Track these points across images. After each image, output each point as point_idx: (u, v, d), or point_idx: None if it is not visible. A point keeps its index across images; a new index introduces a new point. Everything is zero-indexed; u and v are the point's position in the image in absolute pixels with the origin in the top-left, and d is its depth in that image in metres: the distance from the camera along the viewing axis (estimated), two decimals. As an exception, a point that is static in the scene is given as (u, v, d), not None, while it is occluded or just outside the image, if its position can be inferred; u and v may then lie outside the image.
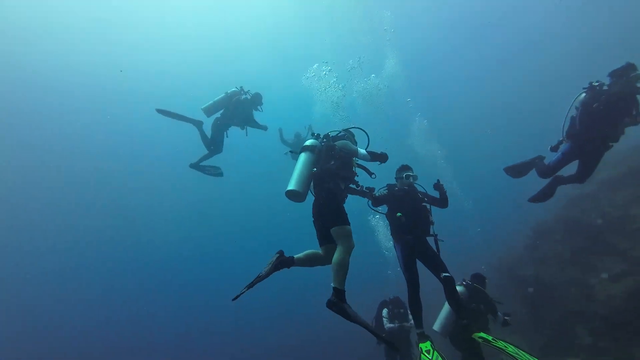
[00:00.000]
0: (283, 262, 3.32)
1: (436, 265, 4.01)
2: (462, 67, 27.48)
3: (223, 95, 6.60)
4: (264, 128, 6.98)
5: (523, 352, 3.47)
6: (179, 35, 26.80)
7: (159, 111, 6.54)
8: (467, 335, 3.86)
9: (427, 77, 25.59)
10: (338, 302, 2.82)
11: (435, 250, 4.15)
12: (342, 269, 2.98)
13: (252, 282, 3.04)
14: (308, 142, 3.86)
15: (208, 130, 6.82)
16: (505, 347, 3.52)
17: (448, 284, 3.93)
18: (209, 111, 6.56)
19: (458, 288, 4.65)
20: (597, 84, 4.44)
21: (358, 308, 2.90)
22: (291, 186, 3.45)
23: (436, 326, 4.88)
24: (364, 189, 4.14)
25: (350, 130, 4.16)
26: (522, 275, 9.14)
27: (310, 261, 3.43)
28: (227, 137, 6.87)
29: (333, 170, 3.54)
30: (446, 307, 4.78)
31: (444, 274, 3.90)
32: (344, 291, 2.93)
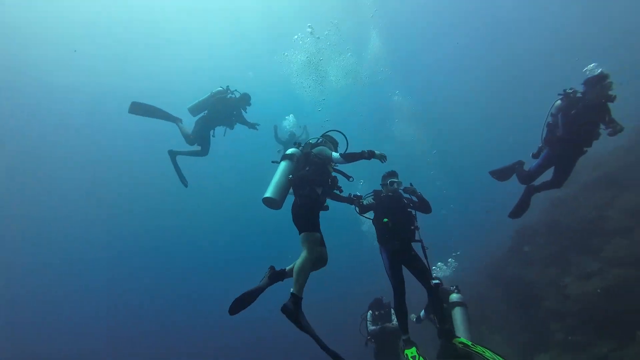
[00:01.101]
0: (277, 274, 3.44)
1: (421, 271, 4.03)
2: (448, 56, 27.23)
3: (208, 94, 6.46)
4: (255, 126, 6.80)
5: (499, 357, 3.49)
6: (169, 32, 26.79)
7: (134, 108, 6.19)
8: (449, 341, 3.88)
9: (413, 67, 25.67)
10: (293, 309, 2.79)
11: (422, 255, 4.16)
12: (302, 276, 3.00)
13: (244, 297, 3.13)
14: (288, 151, 4.00)
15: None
16: (483, 351, 3.57)
17: (435, 291, 3.97)
18: (194, 111, 6.43)
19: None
20: (570, 91, 4.62)
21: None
22: (266, 194, 3.58)
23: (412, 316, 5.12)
24: (352, 196, 4.33)
25: (330, 134, 4.30)
26: (506, 277, 9.50)
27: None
28: (213, 136, 6.70)
29: (308, 176, 3.64)
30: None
31: (433, 282, 3.95)
32: (302, 298, 2.93)
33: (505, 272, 9.62)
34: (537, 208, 10.13)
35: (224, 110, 6.41)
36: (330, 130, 4.32)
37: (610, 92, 4.34)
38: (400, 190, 4.46)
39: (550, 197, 10.35)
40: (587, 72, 4.88)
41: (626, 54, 17.88)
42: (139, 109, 6.24)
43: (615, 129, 4.43)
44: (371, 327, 6.00)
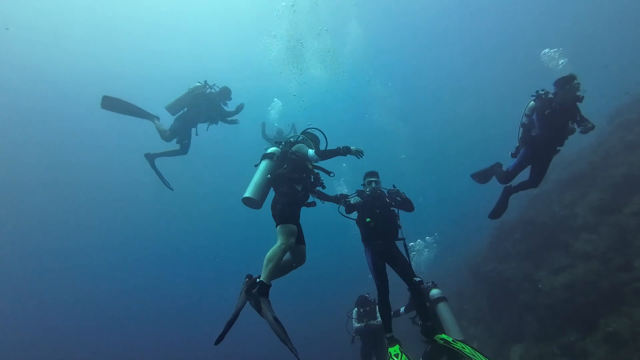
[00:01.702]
0: (254, 284, 3.12)
1: (404, 269, 4.08)
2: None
3: (186, 91, 6.17)
4: (235, 122, 6.60)
5: (479, 354, 3.55)
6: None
7: (107, 104, 5.70)
8: (430, 337, 3.95)
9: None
10: (256, 296, 2.82)
11: (404, 254, 4.22)
12: (271, 263, 3.02)
13: (231, 319, 2.76)
14: (268, 150, 4.02)
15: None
16: (463, 348, 3.64)
17: (417, 288, 4.03)
18: (173, 109, 6.15)
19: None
20: (542, 92, 4.77)
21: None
22: (245, 193, 3.60)
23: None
24: (338, 195, 4.41)
25: (311, 131, 4.34)
26: (485, 272, 9.97)
27: (281, 270, 3.37)
28: (196, 134, 6.45)
29: (285, 174, 3.69)
30: None
31: (415, 279, 3.98)
32: (269, 286, 2.94)
33: (484, 267, 10.09)
34: (516, 206, 10.67)
35: (204, 106, 6.13)
36: (310, 128, 4.36)
37: (578, 93, 4.49)
38: (382, 189, 4.53)
39: (529, 194, 10.91)
40: (545, 57, 5.12)
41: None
42: (112, 104, 5.73)
43: (587, 127, 4.56)
44: (356, 325, 6.09)
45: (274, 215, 3.52)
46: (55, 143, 27.00)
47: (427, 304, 4.66)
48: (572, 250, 7.84)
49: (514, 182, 5.57)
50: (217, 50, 27.25)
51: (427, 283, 4.96)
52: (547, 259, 8.42)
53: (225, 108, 6.52)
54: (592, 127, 4.61)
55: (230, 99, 6.47)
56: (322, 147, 4.25)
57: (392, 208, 4.43)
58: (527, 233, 9.73)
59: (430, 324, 3.98)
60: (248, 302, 2.88)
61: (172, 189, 6.82)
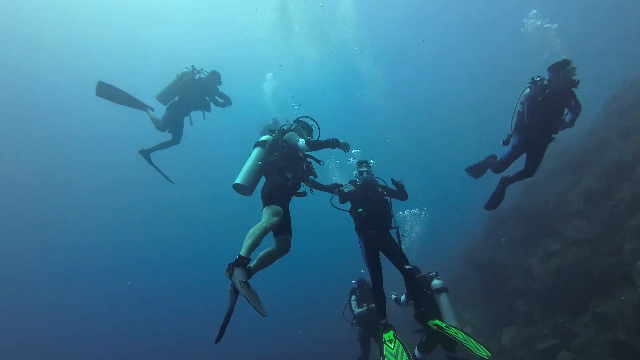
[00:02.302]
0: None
1: (397, 257, 4.08)
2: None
3: (175, 78, 5.98)
4: (228, 103, 6.39)
5: (471, 339, 3.59)
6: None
7: (102, 90, 5.65)
8: (424, 323, 3.96)
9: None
10: (230, 267, 2.84)
11: (397, 242, 4.22)
12: (251, 239, 3.04)
13: (225, 319, 2.78)
14: (261, 138, 4.03)
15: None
16: (456, 333, 3.65)
17: (410, 276, 4.02)
18: (164, 98, 5.99)
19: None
20: (538, 79, 4.66)
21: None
22: (237, 180, 3.64)
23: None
24: (331, 184, 4.39)
25: (304, 120, 4.31)
26: (479, 259, 10.14)
27: (267, 260, 3.42)
28: (191, 123, 6.26)
29: (276, 162, 3.71)
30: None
31: (407, 267, 3.98)
32: (247, 259, 2.96)
33: (479, 254, 10.26)
34: (510, 193, 10.77)
35: (196, 92, 5.96)
36: (303, 116, 4.33)
37: (573, 78, 4.39)
38: (376, 179, 4.52)
39: (521, 183, 11.00)
40: (528, 23, 5.04)
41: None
42: (107, 91, 5.66)
43: (575, 114, 4.54)
44: (357, 310, 6.01)
45: (262, 197, 3.55)
46: (44, 140, 26.75)
47: (428, 292, 4.74)
48: (564, 237, 7.98)
49: (510, 172, 5.48)
50: (201, 35, 26.61)
51: (430, 273, 4.99)
52: (539, 245, 8.58)
53: (215, 92, 6.28)
54: (577, 113, 4.58)
55: (221, 83, 6.26)
56: (315, 136, 4.24)
57: (385, 197, 4.43)
58: (520, 220, 9.87)
59: (424, 309, 3.96)
60: (225, 272, 2.85)
61: (172, 182, 6.71)
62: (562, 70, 4.39)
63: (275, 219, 3.32)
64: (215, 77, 6.18)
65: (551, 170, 10.37)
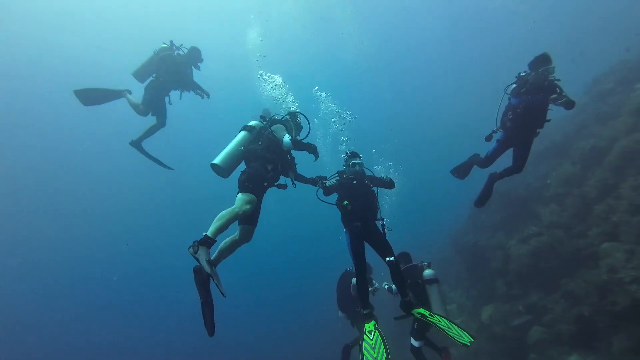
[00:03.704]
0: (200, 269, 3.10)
1: (382, 248, 4.09)
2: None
3: (152, 54, 5.59)
4: (207, 95, 6.01)
5: (454, 326, 3.63)
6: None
7: (84, 98, 5.40)
8: (408, 312, 4.02)
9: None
10: (195, 245, 2.80)
11: (382, 233, 4.23)
12: (219, 221, 3.02)
13: (206, 311, 2.86)
14: (250, 122, 3.95)
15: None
16: (439, 321, 3.69)
17: (393, 267, 4.00)
18: (140, 75, 5.60)
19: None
20: (524, 74, 4.60)
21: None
22: (215, 160, 3.59)
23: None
24: (315, 177, 4.33)
25: (297, 114, 4.26)
26: (463, 242, 10.64)
27: (229, 250, 3.46)
28: (170, 104, 5.86)
29: (257, 151, 3.66)
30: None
31: (389, 258, 3.99)
32: (213, 240, 2.93)
33: (463, 238, 10.75)
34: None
35: (174, 70, 5.57)
36: (296, 111, 4.29)
37: (550, 77, 4.32)
38: (366, 169, 4.45)
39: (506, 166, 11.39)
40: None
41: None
42: (89, 96, 5.43)
43: (562, 101, 4.29)
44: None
45: (238, 181, 3.50)
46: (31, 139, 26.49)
47: (419, 281, 4.73)
48: (542, 220, 8.42)
49: (498, 168, 5.46)
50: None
51: (422, 263, 4.99)
52: (519, 228, 9.03)
53: (195, 73, 5.88)
54: (571, 102, 4.33)
55: (202, 60, 5.87)
56: (304, 133, 4.26)
57: (372, 188, 4.41)
58: (503, 204, 10.29)
59: (408, 299, 4.00)
60: (188, 250, 2.81)
61: (173, 169, 6.48)
62: (540, 68, 4.36)
63: (248, 207, 3.27)
64: (195, 55, 5.78)
65: (534, 154, 10.62)
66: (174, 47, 5.68)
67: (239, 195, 3.37)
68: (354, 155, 4.46)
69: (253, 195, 3.38)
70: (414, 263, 4.99)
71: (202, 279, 2.85)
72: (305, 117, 4.35)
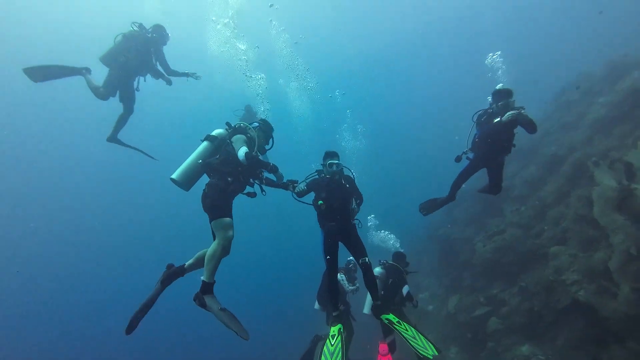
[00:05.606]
0: (171, 274, 3.27)
1: (356, 250, 4.11)
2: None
3: (120, 37, 5.31)
4: (168, 82, 5.84)
5: (420, 337, 3.56)
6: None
7: (34, 74, 5.02)
8: (377, 316, 3.98)
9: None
10: (200, 296, 2.85)
11: (357, 234, 4.23)
12: (211, 262, 2.98)
13: (143, 307, 2.97)
14: (213, 132, 3.74)
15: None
16: (406, 330, 3.65)
17: (365, 269, 3.98)
18: (108, 60, 5.30)
19: (377, 269, 5.49)
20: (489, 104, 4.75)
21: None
22: (173, 175, 3.40)
23: (366, 309, 5.39)
24: (286, 181, 4.17)
25: (268, 122, 4.08)
26: (437, 235, 11.47)
27: (203, 262, 3.30)
28: (137, 90, 5.64)
29: (214, 165, 3.43)
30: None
31: (362, 259, 3.99)
32: (213, 283, 2.95)
33: (437, 231, 11.56)
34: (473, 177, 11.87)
35: (145, 50, 5.40)
36: (263, 120, 4.11)
37: (509, 112, 4.35)
38: (345, 167, 4.41)
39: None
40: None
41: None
42: (40, 74, 5.10)
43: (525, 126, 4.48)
44: (350, 287, 5.95)
45: (204, 209, 3.31)
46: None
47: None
48: (507, 218, 9.22)
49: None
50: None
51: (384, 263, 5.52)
52: (487, 224, 9.85)
53: (162, 55, 5.70)
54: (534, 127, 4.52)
55: (169, 37, 5.75)
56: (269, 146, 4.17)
57: (348, 189, 4.36)
58: (474, 201, 11.08)
59: (379, 303, 3.99)
60: (194, 301, 2.91)
61: (156, 159, 6.45)
62: (500, 102, 4.55)
63: (230, 233, 3.15)
64: (163, 35, 5.61)
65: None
66: (145, 30, 5.51)
67: (213, 224, 3.19)
68: (332, 155, 4.36)
69: (227, 218, 3.22)
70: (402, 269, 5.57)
71: (201, 306, 2.91)
72: (271, 128, 4.11)
